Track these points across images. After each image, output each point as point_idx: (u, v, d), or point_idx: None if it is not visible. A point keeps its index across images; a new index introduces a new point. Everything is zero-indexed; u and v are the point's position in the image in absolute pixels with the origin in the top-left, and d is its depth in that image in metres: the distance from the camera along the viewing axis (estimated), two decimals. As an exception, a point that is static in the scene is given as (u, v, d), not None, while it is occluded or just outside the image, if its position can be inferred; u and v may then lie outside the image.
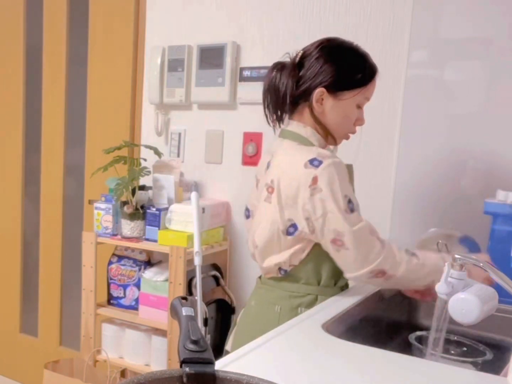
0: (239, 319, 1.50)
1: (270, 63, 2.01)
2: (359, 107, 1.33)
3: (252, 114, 2.09)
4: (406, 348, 1.39)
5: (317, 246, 1.30)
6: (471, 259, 1.08)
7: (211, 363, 0.63)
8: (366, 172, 1.86)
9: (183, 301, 0.72)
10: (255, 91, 2.05)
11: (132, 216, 2.07)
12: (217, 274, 2.14)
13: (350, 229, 1.21)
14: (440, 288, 1.10)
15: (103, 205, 2.13)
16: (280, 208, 1.28)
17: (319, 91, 1.28)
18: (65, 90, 2.66)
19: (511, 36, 1.60)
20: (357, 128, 1.37)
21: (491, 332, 1.36)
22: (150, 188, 2.19)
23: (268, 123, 1.37)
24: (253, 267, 2.12)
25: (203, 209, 2.00)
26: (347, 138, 1.38)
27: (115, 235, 2.15)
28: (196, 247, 1.83)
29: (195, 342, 0.63)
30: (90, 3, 2.52)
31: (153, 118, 2.33)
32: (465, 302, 1.03)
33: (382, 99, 1.82)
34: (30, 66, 2.77)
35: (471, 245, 1.47)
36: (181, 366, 0.62)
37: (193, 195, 1.94)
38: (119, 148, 2.07)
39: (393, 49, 1.79)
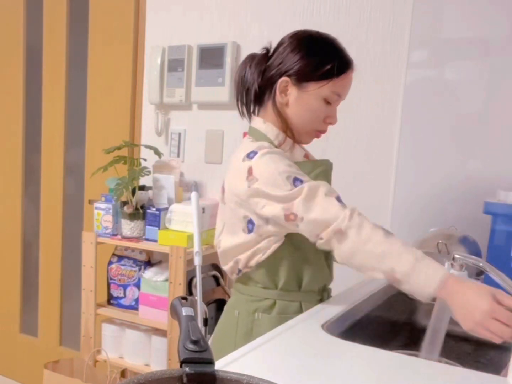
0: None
1: (270, 63, 2.02)
2: (328, 102, 1.21)
3: (252, 114, 2.09)
4: (406, 348, 1.39)
5: (277, 250, 1.21)
6: (471, 259, 1.08)
7: (211, 363, 0.63)
8: (366, 172, 1.87)
9: (183, 301, 0.72)
10: (255, 91, 2.05)
11: (132, 216, 2.07)
12: (217, 274, 2.14)
13: (296, 200, 1.11)
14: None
15: (103, 205, 2.13)
16: (233, 207, 1.22)
17: (282, 80, 1.20)
18: (65, 90, 2.66)
19: (511, 36, 1.60)
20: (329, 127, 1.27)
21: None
22: (150, 188, 2.19)
23: (239, 112, 1.31)
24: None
25: (203, 209, 2.00)
26: (315, 136, 1.27)
27: (115, 235, 2.15)
28: (196, 247, 1.83)
29: (195, 342, 0.63)
30: (90, 3, 2.52)
31: (153, 118, 2.33)
32: (465, 302, 1.03)
33: (382, 99, 1.82)
34: (30, 66, 2.77)
35: (471, 245, 1.47)
36: (181, 366, 0.62)
37: (193, 195, 1.94)
38: (119, 148, 2.07)
39: (393, 49, 1.79)
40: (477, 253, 1.48)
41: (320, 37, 1.23)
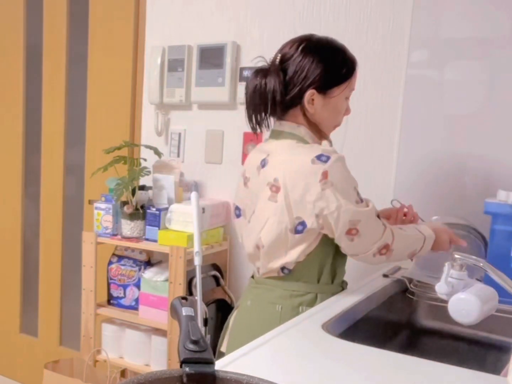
0: (233, 320, 1.47)
1: (270, 63, 2.02)
2: (347, 98, 1.37)
3: (252, 114, 2.09)
4: (406, 348, 1.39)
5: (321, 244, 1.30)
6: (471, 259, 1.08)
7: (211, 363, 0.63)
8: (366, 172, 1.86)
9: (183, 301, 0.72)
10: (255, 91, 2.05)
11: (132, 216, 2.07)
12: (217, 274, 2.14)
13: (363, 216, 1.24)
14: (440, 288, 1.10)
15: (103, 205, 2.13)
16: (287, 207, 1.27)
17: (309, 93, 1.29)
18: (65, 90, 2.66)
19: (511, 36, 1.60)
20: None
21: (491, 332, 1.36)
22: (150, 188, 2.19)
23: (252, 125, 1.37)
24: (252, 267, 2.12)
25: (203, 209, 2.00)
26: (334, 129, 1.41)
27: (115, 235, 2.15)
28: (196, 247, 1.83)
29: (195, 342, 0.63)
30: (90, 3, 2.52)
31: (153, 118, 2.33)
32: (465, 302, 1.03)
33: (382, 99, 1.82)
34: (30, 66, 2.77)
35: (472, 241, 1.47)
36: (181, 366, 0.62)
37: (193, 195, 1.94)
38: (119, 148, 2.07)
39: (393, 49, 1.79)
40: (479, 252, 1.48)
41: (328, 43, 1.33)
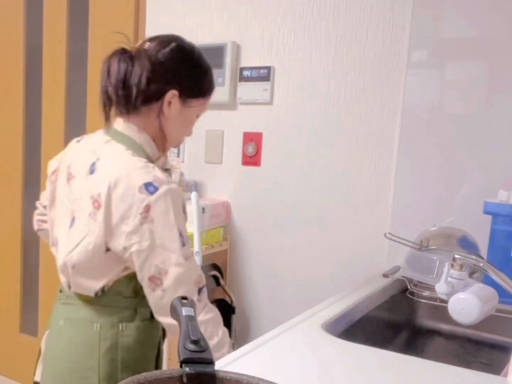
0: (45, 343, 1.30)
1: (270, 63, 2.02)
2: (197, 117, 1.30)
3: (252, 114, 2.09)
4: (406, 348, 1.39)
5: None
6: (471, 259, 1.08)
7: (211, 363, 0.63)
8: (366, 171, 1.87)
9: (183, 301, 0.72)
10: (255, 91, 2.05)
11: (132, 216, 2.06)
12: (217, 274, 2.14)
13: (175, 269, 1.10)
14: (440, 288, 1.10)
15: (103, 205, 2.13)
16: (105, 229, 1.12)
17: (172, 93, 1.19)
18: (65, 90, 2.66)
19: (511, 36, 1.60)
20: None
21: (491, 332, 1.36)
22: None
23: (105, 112, 1.30)
24: (253, 267, 2.12)
25: (203, 209, 2.00)
26: (176, 145, 1.33)
27: (115, 235, 2.14)
28: (196, 247, 1.83)
29: (195, 342, 0.63)
30: (90, 3, 2.52)
31: (153, 118, 2.33)
32: (465, 302, 1.03)
33: (382, 99, 1.82)
34: (30, 66, 2.77)
35: (469, 246, 1.47)
36: (181, 366, 0.62)
37: (193, 195, 1.94)
38: (119, 148, 2.06)
39: (393, 49, 1.79)
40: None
41: (200, 54, 1.28)
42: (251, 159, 2.10)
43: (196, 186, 2.13)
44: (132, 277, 1.17)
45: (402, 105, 1.78)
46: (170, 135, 1.26)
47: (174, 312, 0.72)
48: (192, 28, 2.20)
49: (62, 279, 1.26)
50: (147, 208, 1.08)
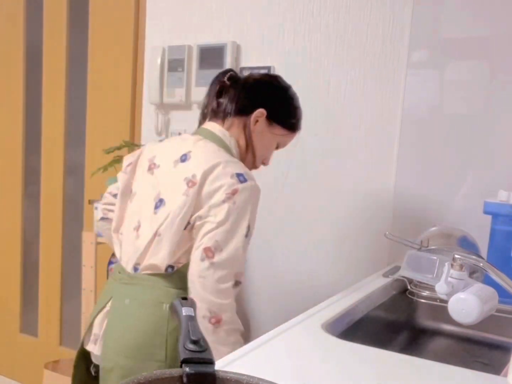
0: (103, 321, 1.35)
1: (270, 63, 2.02)
2: (276, 148, 1.44)
3: (252, 114, 2.09)
4: (406, 348, 1.39)
5: None
6: (471, 259, 1.08)
7: (211, 363, 0.63)
8: (366, 171, 1.87)
9: (183, 301, 0.72)
10: (255, 91, 2.05)
11: (132, 216, 2.07)
12: (217, 274, 2.14)
13: (229, 251, 1.22)
14: (440, 288, 1.10)
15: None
16: (195, 204, 1.25)
17: (260, 111, 1.35)
18: (65, 90, 2.66)
19: (511, 36, 1.60)
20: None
21: (491, 332, 1.36)
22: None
23: (203, 114, 1.42)
24: (253, 267, 2.12)
25: (203, 209, 2.00)
26: (251, 168, 1.42)
27: (115, 235, 2.14)
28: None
29: (195, 342, 0.63)
30: (90, 3, 2.52)
31: (153, 118, 2.33)
32: (465, 302, 1.03)
33: (382, 99, 1.82)
34: (30, 66, 2.77)
35: (469, 246, 1.47)
36: (181, 366, 0.62)
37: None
38: (119, 148, 2.07)
39: (393, 49, 1.79)
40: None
41: (294, 92, 1.45)
42: (251, 159, 2.10)
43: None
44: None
45: (402, 105, 1.78)
46: (257, 151, 1.40)
47: (174, 312, 0.73)
48: (192, 28, 2.21)
49: (129, 262, 1.34)
50: (234, 191, 1.22)
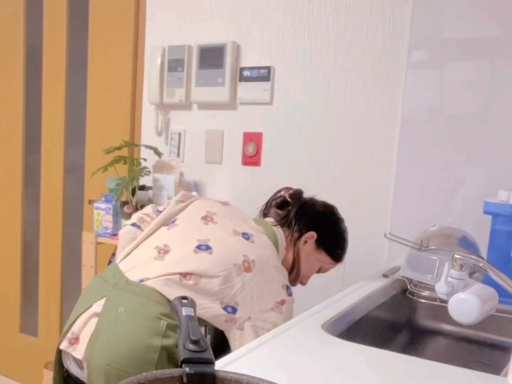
0: (99, 323, 1.25)
1: (270, 63, 2.02)
2: (317, 272, 1.55)
3: (252, 114, 2.09)
4: (406, 348, 1.39)
5: None
6: (471, 259, 1.08)
7: (211, 363, 0.63)
8: (366, 171, 1.87)
9: (183, 301, 0.72)
10: (255, 91, 2.05)
11: (132, 216, 2.07)
12: (217, 274, 2.14)
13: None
14: (440, 288, 1.10)
15: (103, 205, 2.13)
16: (239, 280, 1.30)
17: (312, 233, 1.47)
18: (65, 90, 2.66)
19: (511, 36, 1.60)
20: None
21: (491, 332, 1.36)
22: (150, 188, 2.19)
23: (264, 212, 1.58)
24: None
25: (203, 209, 2.00)
26: (291, 284, 1.46)
27: (115, 235, 2.14)
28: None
29: (195, 342, 0.63)
30: (90, 3, 2.52)
31: (153, 118, 2.33)
32: (465, 302, 1.03)
33: (382, 99, 1.82)
34: (30, 66, 2.77)
35: (469, 246, 1.47)
36: (181, 366, 0.62)
37: (193, 195, 1.94)
38: (119, 148, 2.07)
39: (393, 49, 1.79)
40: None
41: (346, 228, 1.57)
42: (251, 159, 2.10)
43: (196, 186, 2.13)
44: None
45: (402, 105, 1.78)
46: (302, 269, 1.50)
47: (174, 312, 0.73)
48: (192, 28, 2.21)
49: (137, 274, 1.30)
50: (282, 303, 1.31)
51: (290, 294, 1.34)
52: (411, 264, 1.39)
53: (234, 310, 1.28)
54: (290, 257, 1.48)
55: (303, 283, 1.55)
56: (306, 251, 1.49)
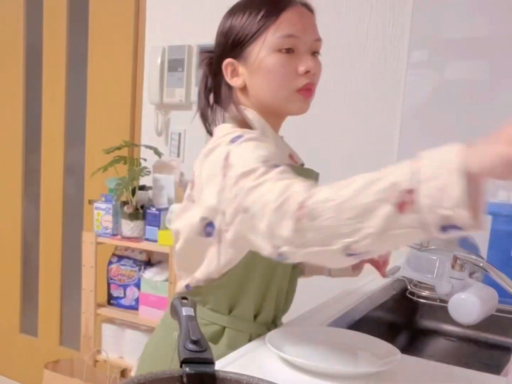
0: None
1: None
2: (287, 51, 0.98)
3: (252, 114, 2.09)
4: (406, 348, 1.39)
5: (239, 266, 0.95)
6: (471, 259, 1.08)
7: (211, 363, 0.63)
8: (366, 171, 1.86)
9: (183, 301, 0.72)
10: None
11: (132, 216, 2.07)
12: (217, 274, 2.14)
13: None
14: (440, 288, 1.10)
15: (103, 205, 2.13)
16: (197, 205, 0.96)
17: (227, 64, 1.04)
18: (65, 90, 2.66)
19: (511, 36, 1.60)
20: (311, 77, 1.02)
21: (491, 332, 1.36)
22: (150, 188, 2.19)
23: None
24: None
25: (203, 209, 2.00)
26: (303, 96, 1.01)
27: (115, 235, 2.15)
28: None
29: (195, 342, 0.63)
30: (90, 3, 2.52)
31: (153, 118, 2.33)
32: (465, 302, 1.03)
33: (382, 99, 1.82)
34: (30, 66, 2.77)
35: (469, 246, 1.47)
36: (181, 366, 0.62)
37: (193, 195, 1.94)
38: (119, 148, 2.07)
39: (393, 49, 1.79)
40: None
41: (241, 0, 1.05)
42: (251, 159, 2.09)
43: (196, 186, 2.12)
44: (224, 287, 0.99)
45: (402, 105, 1.78)
46: (262, 98, 1.03)
47: (174, 312, 0.73)
48: (192, 28, 2.20)
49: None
50: (227, 157, 0.90)
51: (235, 140, 0.91)
52: (411, 264, 1.40)
53: (211, 226, 0.95)
54: (246, 102, 1.03)
55: (299, 87, 1.00)
56: (248, 78, 1.01)
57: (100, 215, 2.14)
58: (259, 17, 0.98)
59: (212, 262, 0.96)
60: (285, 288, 1.07)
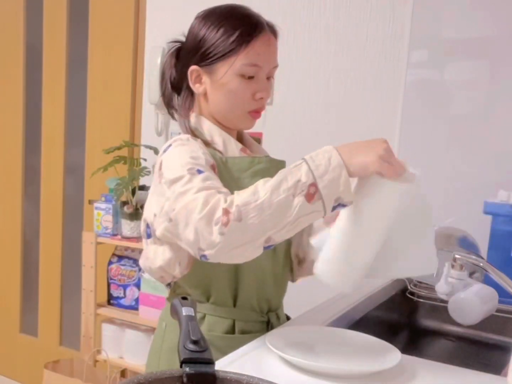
0: None
1: (270, 63, 2.02)
2: (249, 77, 1.04)
3: (252, 114, 2.09)
4: (406, 348, 1.39)
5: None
6: (471, 259, 1.08)
7: (211, 363, 0.63)
8: (366, 172, 1.87)
9: (183, 301, 0.72)
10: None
11: (132, 216, 2.07)
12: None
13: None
14: (440, 288, 1.10)
15: (103, 205, 2.13)
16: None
17: (192, 70, 1.06)
18: (65, 90, 2.66)
19: (511, 36, 1.60)
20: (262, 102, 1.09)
21: (491, 332, 1.36)
22: (150, 188, 2.18)
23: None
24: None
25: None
26: (251, 117, 1.10)
27: (115, 235, 2.15)
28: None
29: (195, 342, 0.63)
30: (90, 3, 2.52)
31: (153, 118, 2.33)
32: (465, 302, 1.03)
33: (382, 99, 1.82)
34: (30, 66, 2.77)
35: (469, 246, 1.47)
36: (181, 366, 0.62)
37: (193, 195, 1.94)
38: (119, 148, 2.06)
39: (393, 49, 1.79)
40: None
41: (218, 10, 1.09)
42: (251, 159, 2.10)
43: (196, 186, 2.12)
44: (192, 278, 1.04)
45: (402, 105, 1.78)
46: (217, 111, 1.11)
47: (174, 312, 0.73)
48: (192, 28, 2.20)
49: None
50: (160, 165, 1.02)
51: (166, 149, 1.01)
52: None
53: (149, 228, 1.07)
54: (204, 106, 1.09)
55: (252, 109, 1.08)
56: (208, 89, 1.06)
57: (100, 215, 2.14)
58: (232, 39, 1.04)
59: (162, 259, 1.04)
60: (268, 271, 1.08)
